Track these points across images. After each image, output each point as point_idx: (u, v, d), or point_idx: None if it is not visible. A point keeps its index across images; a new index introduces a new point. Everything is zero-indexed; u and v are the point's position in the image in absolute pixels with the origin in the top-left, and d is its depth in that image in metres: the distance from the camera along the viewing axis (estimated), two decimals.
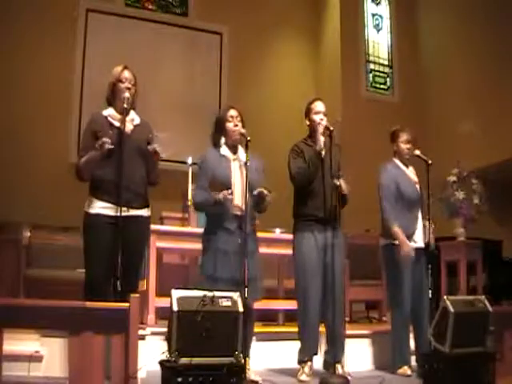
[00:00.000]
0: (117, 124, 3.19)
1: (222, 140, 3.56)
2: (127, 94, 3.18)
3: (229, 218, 3.39)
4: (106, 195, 3.10)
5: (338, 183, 3.68)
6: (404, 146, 4.21)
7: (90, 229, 3.12)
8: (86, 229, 3.15)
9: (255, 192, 3.37)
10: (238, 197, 3.40)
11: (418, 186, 4.19)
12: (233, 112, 3.53)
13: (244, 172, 3.38)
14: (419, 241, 4.11)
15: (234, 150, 3.54)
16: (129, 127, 3.19)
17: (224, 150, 3.53)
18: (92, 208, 3.12)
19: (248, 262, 3.30)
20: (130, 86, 3.22)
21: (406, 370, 3.99)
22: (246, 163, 3.36)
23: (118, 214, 3.00)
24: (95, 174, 3.13)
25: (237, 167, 3.48)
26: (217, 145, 3.57)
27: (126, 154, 3.07)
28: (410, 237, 4.08)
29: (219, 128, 3.56)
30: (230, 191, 3.31)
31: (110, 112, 3.24)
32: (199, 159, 3.61)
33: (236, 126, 3.49)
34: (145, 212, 3.25)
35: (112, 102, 3.26)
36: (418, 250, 4.07)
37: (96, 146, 3.04)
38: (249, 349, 3.40)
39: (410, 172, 4.26)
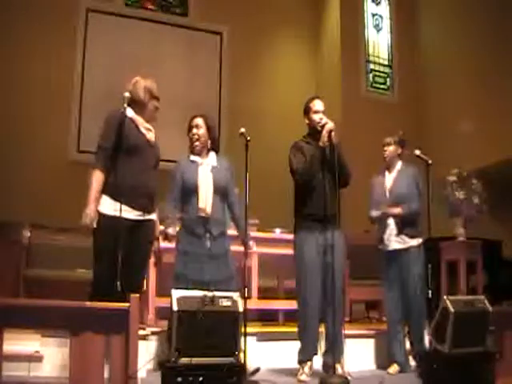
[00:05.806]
0: (143, 131, 3.36)
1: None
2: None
3: (194, 221, 3.47)
4: (126, 199, 3.16)
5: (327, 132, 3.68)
6: (383, 151, 4.30)
7: (107, 230, 3.14)
8: (102, 229, 3.17)
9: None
10: (202, 200, 3.48)
11: (387, 191, 4.22)
12: (196, 121, 3.67)
13: (212, 175, 3.54)
14: (391, 244, 4.19)
15: (204, 155, 3.62)
16: (152, 137, 3.39)
17: (193, 156, 3.64)
18: (110, 210, 3.17)
19: (219, 264, 3.44)
20: (158, 105, 3.48)
21: (395, 367, 4.09)
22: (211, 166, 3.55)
23: (137, 217, 3.22)
24: (117, 177, 3.20)
25: (204, 171, 3.56)
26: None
27: (149, 161, 3.31)
28: (381, 240, 4.24)
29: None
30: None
31: (132, 114, 3.35)
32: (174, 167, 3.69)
33: (194, 135, 3.62)
34: (154, 216, 3.42)
35: (139, 107, 3.38)
36: (392, 252, 4.18)
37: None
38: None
39: (391, 176, 4.28)
